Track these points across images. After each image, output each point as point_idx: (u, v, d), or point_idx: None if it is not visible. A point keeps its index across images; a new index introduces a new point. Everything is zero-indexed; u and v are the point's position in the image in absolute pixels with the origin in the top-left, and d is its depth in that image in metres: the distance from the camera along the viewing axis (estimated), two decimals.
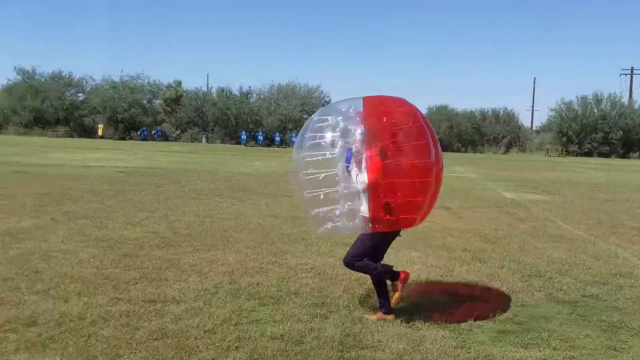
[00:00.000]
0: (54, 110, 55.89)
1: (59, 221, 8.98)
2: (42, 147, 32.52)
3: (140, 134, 54.48)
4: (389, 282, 5.22)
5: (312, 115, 5.28)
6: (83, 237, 7.83)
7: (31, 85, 57.30)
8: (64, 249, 7.09)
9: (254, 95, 59.72)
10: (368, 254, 5.02)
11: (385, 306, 5.10)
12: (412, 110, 5.08)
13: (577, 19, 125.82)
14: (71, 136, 54.44)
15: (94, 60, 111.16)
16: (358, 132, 4.86)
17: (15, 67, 59.74)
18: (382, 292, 5.16)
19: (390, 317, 5.03)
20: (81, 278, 5.84)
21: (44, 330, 4.39)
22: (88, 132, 56.09)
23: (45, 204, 10.66)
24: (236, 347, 4.26)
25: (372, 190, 4.79)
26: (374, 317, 5.06)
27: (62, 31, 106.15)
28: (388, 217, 4.84)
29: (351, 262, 5.05)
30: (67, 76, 59.76)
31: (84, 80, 60.95)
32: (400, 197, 4.84)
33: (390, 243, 5.18)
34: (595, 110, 55.77)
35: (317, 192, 4.97)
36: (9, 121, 55.82)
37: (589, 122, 54.29)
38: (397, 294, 5.12)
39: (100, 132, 54.58)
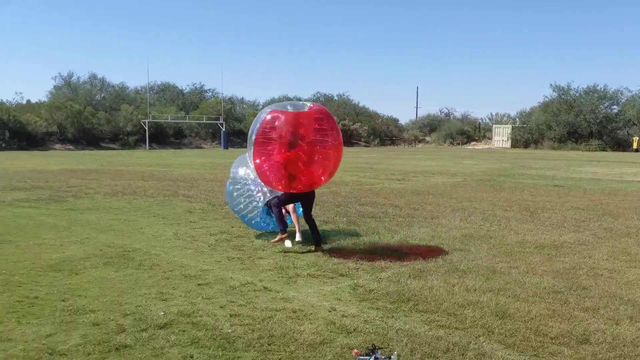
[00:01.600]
0: (587, 124, 55.92)
1: (601, 237, 8.78)
2: (575, 161, 32.86)
3: None
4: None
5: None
6: (628, 257, 7.42)
7: (566, 100, 58.84)
8: (609, 267, 6.87)
9: None
10: (282, 204, 7.73)
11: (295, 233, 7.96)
12: (322, 111, 7.33)
13: None
14: (604, 150, 53.34)
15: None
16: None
17: (551, 85, 62.44)
18: (314, 230, 7.67)
19: (284, 236, 7.62)
20: (631, 301, 5.51)
21: (598, 350, 4.29)
22: (622, 145, 53.89)
23: (585, 219, 10.62)
24: None
25: (281, 166, 7.07)
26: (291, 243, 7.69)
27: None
28: (285, 183, 7.25)
29: (271, 206, 7.73)
30: (602, 89, 58.92)
31: (619, 92, 58.98)
32: (297, 171, 7.14)
33: (301, 200, 7.73)
34: None
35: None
36: (544, 136, 58.71)
37: None
38: (275, 239, 7.67)
39: (635, 145, 51.68)
